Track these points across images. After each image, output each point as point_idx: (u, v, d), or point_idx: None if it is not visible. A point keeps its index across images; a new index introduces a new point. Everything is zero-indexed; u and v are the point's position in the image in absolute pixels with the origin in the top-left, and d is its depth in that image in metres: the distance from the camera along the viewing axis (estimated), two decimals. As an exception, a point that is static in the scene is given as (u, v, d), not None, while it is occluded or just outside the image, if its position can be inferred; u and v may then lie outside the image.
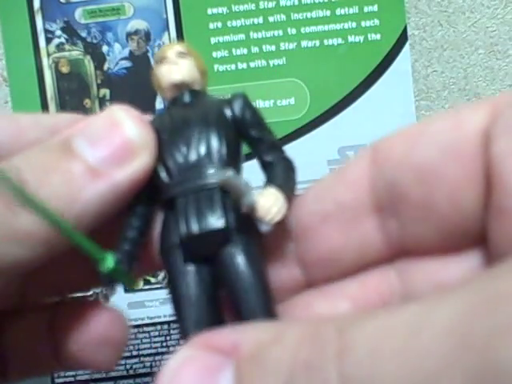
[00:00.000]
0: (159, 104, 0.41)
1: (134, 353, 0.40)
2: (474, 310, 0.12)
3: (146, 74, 0.44)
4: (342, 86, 0.41)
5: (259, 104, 0.41)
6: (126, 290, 0.40)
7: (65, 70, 0.41)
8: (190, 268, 0.19)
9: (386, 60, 0.41)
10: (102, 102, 0.41)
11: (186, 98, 0.21)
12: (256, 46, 0.41)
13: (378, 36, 0.41)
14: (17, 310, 0.22)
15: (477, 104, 0.17)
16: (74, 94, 0.41)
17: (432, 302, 0.13)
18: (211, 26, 0.41)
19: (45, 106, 0.41)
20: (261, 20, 0.41)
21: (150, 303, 0.40)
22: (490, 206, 0.16)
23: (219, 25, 0.41)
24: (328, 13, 0.41)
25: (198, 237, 0.19)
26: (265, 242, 0.20)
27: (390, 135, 0.18)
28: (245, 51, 0.41)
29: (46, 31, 0.41)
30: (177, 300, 0.19)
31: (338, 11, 0.41)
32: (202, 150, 0.19)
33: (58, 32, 0.41)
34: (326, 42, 0.41)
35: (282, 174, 0.20)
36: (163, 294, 0.40)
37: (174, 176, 0.19)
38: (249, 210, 0.18)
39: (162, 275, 0.40)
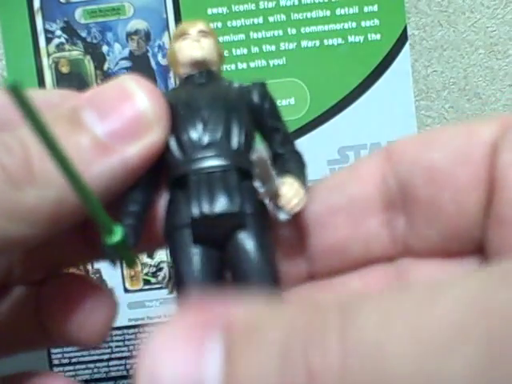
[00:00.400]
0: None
1: (134, 353, 0.40)
2: (491, 283, 0.11)
3: (146, 74, 0.44)
4: (342, 86, 0.41)
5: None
6: (127, 291, 0.40)
7: (65, 69, 0.41)
8: (198, 249, 0.18)
9: (385, 60, 0.41)
10: (102, 102, 0.41)
11: (202, 77, 0.20)
12: (256, 46, 0.41)
13: (378, 36, 0.41)
14: (3, 284, 0.22)
15: (488, 119, 0.17)
16: (73, 94, 0.41)
17: (445, 281, 0.12)
18: (211, 25, 0.41)
19: (45, 106, 0.41)
20: (261, 20, 0.41)
21: (150, 303, 0.40)
22: (490, 213, 0.17)
23: (219, 25, 0.41)
24: (328, 13, 0.41)
25: (211, 218, 0.18)
26: (273, 229, 0.19)
27: (403, 138, 0.19)
28: (245, 51, 0.41)
29: (46, 31, 0.41)
30: (180, 278, 0.18)
31: (338, 11, 0.41)
32: (220, 131, 0.19)
33: (58, 32, 0.41)
34: (326, 41, 0.41)
35: (296, 167, 0.19)
36: (163, 293, 0.40)
37: (187, 153, 0.19)
38: (270, 196, 0.18)
39: (161, 275, 0.40)
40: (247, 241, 0.18)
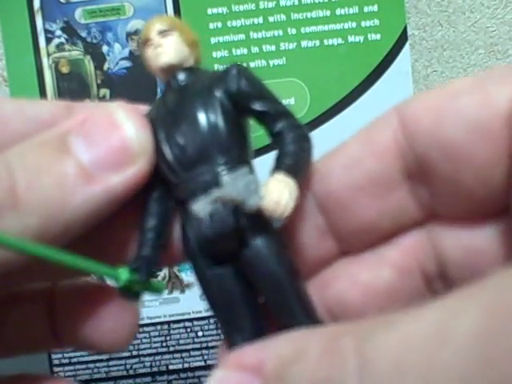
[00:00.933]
0: (159, 104, 0.41)
1: (134, 353, 0.40)
2: (492, 321, 0.12)
3: (146, 74, 0.44)
4: (342, 86, 0.41)
5: (259, 104, 0.41)
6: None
7: (65, 69, 0.41)
8: (216, 272, 0.18)
9: (385, 60, 0.41)
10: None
11: (181, 77, 0.19)
12: (256, 46, 0.41)
13: (378, 36, 0.41)
14: (14, 293, 0.22)
15: (503, 75, 0.16)
16: (73, 94, 0.41)
17: (451, 310, 0.12)
18: (211, 25, 0.41)
19: (45, 106, 0.41)
20: (261, 20, 0.41)
21: (150, 303, 0.40)
22: None
23: (219, 25, 0.41)
24: (328, 13, 0.41)
25: (212, 240, 0.18)
26: (290, 219, 0.19)
27: (415, 100, 0.18)
28: (245, 51, 0.41)
29: (46, 31, 0.41)
30: (212, 306, 0.18)
31: (338, 11, 0.41)
32: (200, 139, 0.18)
33: (58, 32, 0.41)
34: (326, 41, 0.41)
35: (291, 148, 0.18)
36: (163, 294, 0.40)
37: (179, 175, 0.18)
38: (255, 211, 0.17)
39: (161, 275, 0.40)
40: (257, 256, 0.18)
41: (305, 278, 0.19)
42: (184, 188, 0.18)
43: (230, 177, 0.17)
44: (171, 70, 0.19)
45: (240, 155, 0.18)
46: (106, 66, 0.41)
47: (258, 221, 0.18)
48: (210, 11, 0.41)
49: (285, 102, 0.42)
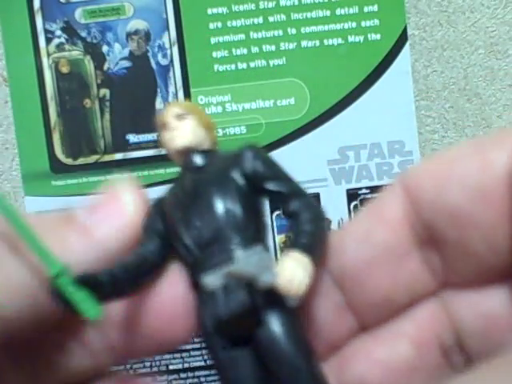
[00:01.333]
0: (159, 104, 0.41)
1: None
2: None
3: (146, 74, 0.44)
4: (342, 85, 0.41)
5: (259, 104, 0.41)
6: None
7: (65, 69, 0.41)
8: (231, 353, 0.18)
9: (385, 60, 0.41)
10: (102, 102, 0.41)
11: (197, 160, 0.19)
12: (256, 46, 0.41)
13: (378, 36, 0.41)
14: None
15: (501, 137, 0.17)
16: (73, 94, 0.41)
17: None
18: (211, 25, 0.41)
19: (45, 106, 0.41)
20: (261, 20, 0.41)
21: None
22: None
23: (219, 25, 0.41)
24: (328, 13, 0.41)
25: (228, 320, 0.17)
26: (305, 298, 0.18)
27: (416, 168, 0.18)
28: (245, 51, 0.41)
29: (46, 31, 0.41)
30: None
31: (338, 11, 0.41)
32: (216, 220, 0.18)
33: (58, 32, 0.41)
34: (326, 41, 0.41)
35: (306, 228, 0.18)
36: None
37: (195, 255, 0.18)
38: (269, 288, 0.17)
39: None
40: (271, 336, 0.17)
41: (321, 357, 0.19)
42: (199, 267, 0.18)
43: (243, 252, 0.17)
44: (188, 153, 0.20)
45: (255, 235, 0.18)
46: (105, 66, 0.41)
47: (273, 300, 0.17)
48: (210, 11, 0.41)
49: (285, 101, 0.43)
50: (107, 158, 0.41)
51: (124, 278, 0.18)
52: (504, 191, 0.16)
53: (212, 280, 0.17)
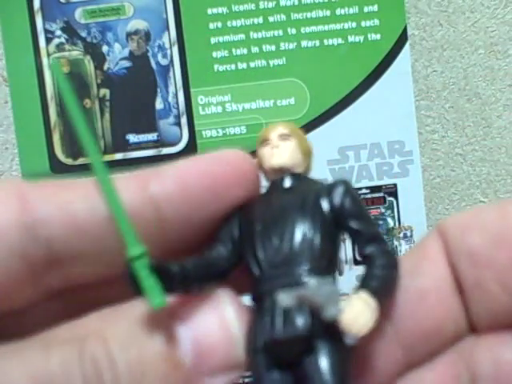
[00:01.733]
0: (159, 104, 0.41)
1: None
2: None
3: (146, 74, 0.44)
4: (342, 86, 0.41)
5: (259, 104, 0.41)
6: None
7: (65, 69, 0.41)
8: (274, 375, 0.18)
9: (385, 60, 0.41)
10: (102, 102, 0.41)
11: (287, 182, 0.20)
12: (256, 46, 0.41)
13: (378, 36, 0.41)
14: None
15: None
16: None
17: None
18: (211, 25, 0.41)
19: (45, 106, 0.41)
20: (261, 20, 0.41)
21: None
22: None
23: (219, 25, 0.41)
24: (328, 13, 0.41)
25: (282, 342, 0.17)
26: (366, 337, 0.18)
27: (451, 217, 0.20)
28: (245, 51, 0.41)
29: (46, 31, 0.41)
30: None
31: (338, 11, 0.41)
32: (295, 243, 0.18)
33: (58, 32, 0.41)
34: (326, 41, 0.41)
35: (379, 273, 0.18)
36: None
37: (264, 270, 0.18)
38: (331, 321, 0.17)
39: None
40: (318, 367, 0.17)
41: None
42: (264, 284, 0.18)
43: (316, 281, 0.17)
44: (281, 172, 0.20)
45: (327, 266, 0.19)
46: (105, 66, 0.41)
47: (331, 333, 0.18)
48: (210, 11, 0.41)
49: (285, 101, 0.43)
50: (107, 158, 0.41)
51: (193, 276, 0.18)
52: None
53: (285, 298, 0.17)
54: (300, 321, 0.17)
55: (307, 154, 0.21)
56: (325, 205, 0.19)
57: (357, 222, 0.19)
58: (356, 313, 0.17)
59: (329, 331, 0.17)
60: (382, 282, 0.18)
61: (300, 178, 0.20)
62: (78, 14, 0.41)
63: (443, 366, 0.19)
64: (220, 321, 0.18)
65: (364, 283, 0.18)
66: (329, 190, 0.19)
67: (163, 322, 0.17)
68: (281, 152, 0.20)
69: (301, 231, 0.19)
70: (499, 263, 0.18)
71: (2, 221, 0.17)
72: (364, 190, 0.42)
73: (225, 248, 0.19)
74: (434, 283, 0.19)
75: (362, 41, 0.41)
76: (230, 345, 0.18)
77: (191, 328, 0.18)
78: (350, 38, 0.41)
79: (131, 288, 0.17)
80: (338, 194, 0.19)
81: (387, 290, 0.18)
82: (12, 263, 0.17)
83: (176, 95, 0.41)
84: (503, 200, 0.20)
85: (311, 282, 0.17)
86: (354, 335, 0.17)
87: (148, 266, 0.17)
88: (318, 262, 0.18)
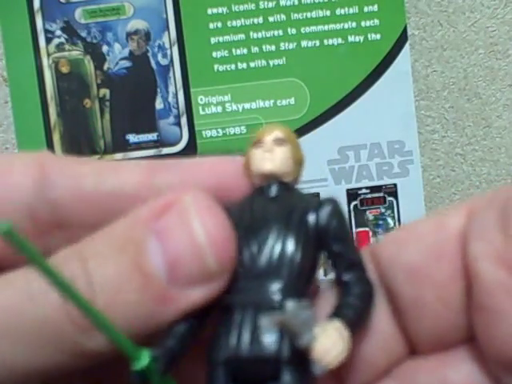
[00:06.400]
0: (159, 104, 0.41)
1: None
2: None
3: (146, 74, 0.44)
4: (342, 86, 0.41)
5: (259, 104, 0.41)
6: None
7: (65, 69, 0.41)
8: None
9: (385, 60, 0.41)
10: (102, 102, 0.41)
11: (273, 190, 0.19)
12: (256, 46, 0.41)
13: (378, 36, 0.41)
14: None
15: (458, 206, 0.18)
16: (73, 94, 0.41)
17: None
18: (211, 25, 0.41)
19: (45, 106, 0.41)
20: (261, 20, 0.41)
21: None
22: (471, 302, 0.17)
23: (219, 25, 0.41)
24: (328, 13, 0.41)
25: (246, 360, 0.17)
26: (330, 374, 0.18)
27: (384, 238, 0.19)
28: (245, 51, 0.41)
29: (46, 31, 0.41)
30: None
31: (338, 11, 0.41)
32: (273, 257, 0.18)
33: (58, 32, 0.41)
34: (326, 41, 0.41)
35: (354, 302, 0.18)
36: None
37: (238, 279, 0.18)
38: (304, 347, 0.16)
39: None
40: None
41: None
42: (235, 295, 0.18)
43: (294, 304, 0.16)
44: (269, 179, 0.19)
45: (303, 288, 0.18)
46: (105, 66, 0.41)
47: (299, 359, 0.17)
48: (210, 11, 0.41)
49: (285, 101, 0.43)
50: (107, 157, 0.41)
51: (182, 350, 0.17)
52: (457, 249, 0.17)
53: (267, 323, 0.16)
54: (268, 341, 0.17)
55: (299, 163, 0.20)
56: (311, 222, 0.18)
57: (339, 246, 0.18)
58: (330, 344, 0.16)
59: (297, 357, 0.17)
60: (356, 313, 0.18)
61: (287, 188, 0.19)
62: (78, 13, 0.41)
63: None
64: (188, 233, 0.17)
65: (339, 312, 0.17)
66: (316, 207, 0.18)
67: (135, 237, 0.17)
68: (273, 157, 0.19)
69: (281, 245, 0.18)
70: (438, 278, 0.17)
71: (21, 181, 0.18)
72: (364, 190, 0.42)
73: None
74: None
75: (361, 41, 0.41)
76: (200, 255, 0.17)
77: (161, 240, 0.17)
78: (350, 38, 0.41)
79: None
80: (325, 214, 0.18)
81: (361, 321, 0.18)
82: (21, 219, 0.18)
83: (176, 95, 0.41)
84: (439, 211, 0.18)
85: (289, 305, 0.16)
86: (323, 366, 0.16)
87: (158, 371, 0.17)
88: (294, 280, 0.18)
